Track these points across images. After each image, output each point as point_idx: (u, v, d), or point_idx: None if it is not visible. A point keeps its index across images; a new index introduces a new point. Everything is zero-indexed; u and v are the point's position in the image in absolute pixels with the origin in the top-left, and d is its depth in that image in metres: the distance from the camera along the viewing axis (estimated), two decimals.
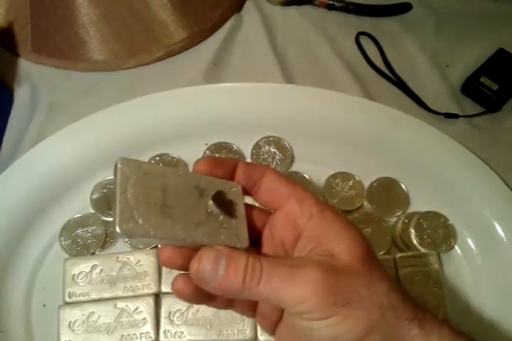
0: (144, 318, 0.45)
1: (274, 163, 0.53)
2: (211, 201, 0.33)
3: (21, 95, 0.58)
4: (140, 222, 0.30)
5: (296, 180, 0.38)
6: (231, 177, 0.36)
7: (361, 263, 0.32)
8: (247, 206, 0.36)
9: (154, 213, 0.31)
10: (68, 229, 0.50)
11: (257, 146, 0.54)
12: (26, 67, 0.60)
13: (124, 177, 0.31)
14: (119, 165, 0.32)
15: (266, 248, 0.36)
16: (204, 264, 0.31)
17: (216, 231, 0.33)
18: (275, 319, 0.36)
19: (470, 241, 0.49)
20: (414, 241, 0.49)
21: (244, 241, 0.33)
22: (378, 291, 0.31)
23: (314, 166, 0.53)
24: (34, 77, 0.60)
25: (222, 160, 0.36)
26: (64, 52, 0.60)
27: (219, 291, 0.32)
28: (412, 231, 0.49)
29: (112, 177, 0.51)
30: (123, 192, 0.31)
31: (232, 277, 0.31)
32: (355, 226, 0.34)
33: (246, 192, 0.36)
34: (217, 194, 0.34)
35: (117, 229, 0.29)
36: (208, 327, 0.45)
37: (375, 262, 0.33)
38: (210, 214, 0.33)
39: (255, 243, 0.36)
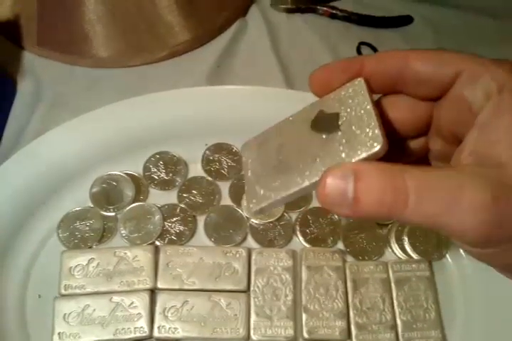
0: (139, 313, 0.45)
1: None
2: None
3: (24, 87, 0.59)
4: (262, 192, 0.30)
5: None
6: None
7: None
8: (393, 103, 0.31)
9: (272, 176, 0.30)
10: (66, 221, 0.50)
11: None
12: (30, 60, 0.61)
13: (245, 161, 0.33)
14: (241, 153, 0.34)
15: (434, 149, 0.31)
16: (329, 187, 0.25)
17: (336, 152, 0.27)
18: None
19: (461, 251, 0.50)
20: (407, 249, 0.50)
21: (374, 143, 0.26)
22: None
23: None
24: (38, 71, 0.60)
25: (341, 65, 0.30)
26: (69, 47, 0.60)
27: (356, 216, 0.25)
28: (406, 238, 0.50)
29: (112, 172, 0.52)
30: (246, 174, 0.32)
31: (366, 200, 0.24)
32: None
33: (388, 91, 0.30)
34: (317, 114, 0.30)
35: (250, 212, 0.32)
36: (202, 324, 0.45)
37: None
38: (326, 139, 0.28)
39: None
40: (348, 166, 0.25)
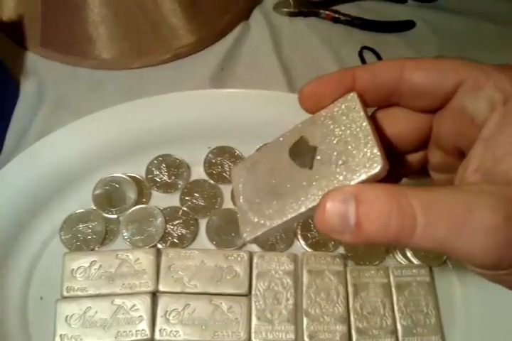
0: (140, 316, 0.45)
1: None
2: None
3: (28, 88, 0.59)
4: (256, 220, 0.28)
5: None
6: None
7: None
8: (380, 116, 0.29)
9: (265, 203, 0.28)
10: (69, 223, 0.50)
11: None
12: (34, 61, 0.61)
13: (235, 186, 0.31)
14: (231, 178, 0.32)
15: (434, 161, 0.29)
16: (329, 212, 0.23)
17: (332, 175, 0.26)
18: None
19: None
20: (408, 254, 0.50)
21: (374, 163, 0.24)
22: None
23: None
24: (41, 72, 0.60)
25: (331, 79, 0.28)
26: (72, 48, 0.60)
27: (358, 243, 0.23)
28: None
29: (115, 174, 0.52)
30: (238, 201, 0.30)
31: (370, 226, 0.22)
32: None
33: (383, 103, 0.29)
34: (296, 141, 0.28)
35: (244, 240, 0.29)
36: (203, 327, 0.46)
37: None
38: (321, 161, 0.27)
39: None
40: (348, 189, 0.23)
